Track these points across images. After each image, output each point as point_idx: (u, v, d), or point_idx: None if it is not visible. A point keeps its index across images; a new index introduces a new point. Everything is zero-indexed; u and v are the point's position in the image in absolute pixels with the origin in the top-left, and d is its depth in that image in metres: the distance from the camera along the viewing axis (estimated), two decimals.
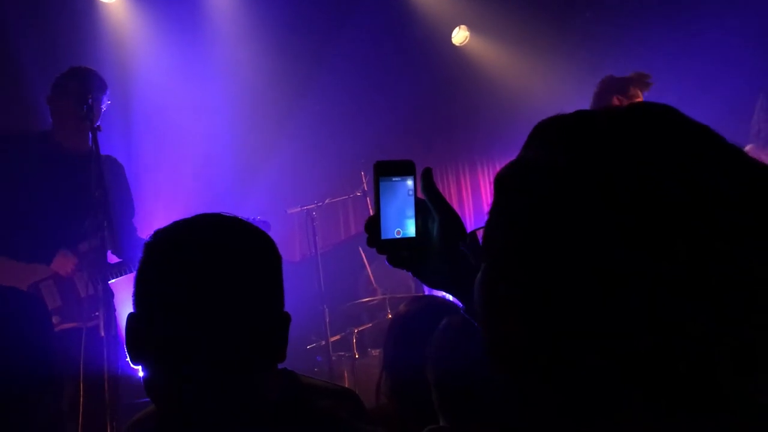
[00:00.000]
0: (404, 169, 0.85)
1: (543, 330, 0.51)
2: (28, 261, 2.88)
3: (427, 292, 4.96)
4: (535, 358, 0.52)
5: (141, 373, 0.97)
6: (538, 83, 5.88)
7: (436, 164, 6.47)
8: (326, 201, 4.72)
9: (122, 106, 4.75)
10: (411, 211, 0.84)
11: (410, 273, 0.87)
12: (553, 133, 0.56)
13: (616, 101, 3.32)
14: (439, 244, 0.82)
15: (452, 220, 0.83)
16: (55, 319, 2.83)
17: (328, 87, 5.71)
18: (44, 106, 3.08)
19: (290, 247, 5.86)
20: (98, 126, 2.74)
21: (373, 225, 0.83)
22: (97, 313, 2.64)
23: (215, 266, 0.91)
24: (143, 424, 0.97)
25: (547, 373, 0.52)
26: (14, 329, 1.40)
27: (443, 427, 1.43)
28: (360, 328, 4.46)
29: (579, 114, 0.57)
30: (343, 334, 4.42)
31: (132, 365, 0.97)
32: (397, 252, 0.84)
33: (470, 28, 6.14)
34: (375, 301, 4.51)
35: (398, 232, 0.83)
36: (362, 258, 5.01)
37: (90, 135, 2.68)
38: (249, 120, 5.60)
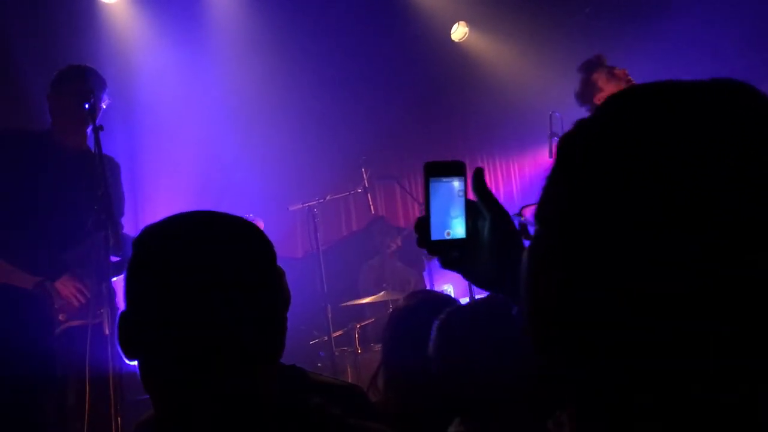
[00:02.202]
0: (454, 169, 0.84)
1: (587, 290, 0.48)
2: (31, 262, 2.88)
3: (429, 288, 4.98)
4: (574, 323, 0.48)
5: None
6: (538, 79, 5.88)
7: (437, 159, 6.46)
8: (327, 197, 4.73)
9: (121, 103, 4.75)
10: (461, 212, 0.83)
11: (461, 274, 0.86)
12: (629, 102, 0.52)
13: (598, 77, 3.40)
14: (490, 245, 0.81)
15: (504, 220, 0.81)
16: (61, 317, 2.84)
17: (327, 83, 5.71)
18: (44, 105, 3.07)
19: (292, 243, 5.88)
20: (100, 126, 2.74)
21: (423, 226, 0.82)
22: (101, 311, 2.65)
23: (206, 262, 0.91)
24: (148, 425, 0.97)
25: (584, 343, 0.48)
26: (16, 328, 1.40)
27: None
28: (362, 323, 4.48)
29: (658, 87, 0.52)
30: (345, 329, 4.44)
31: (128, 362, 0.98)
32: (448, 253, 0.84)
33: (469, 23, 6.14)
34: (377, 299, 4.53)
35: (448, 233, 0.82)
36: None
37: (92, 134, 2.68)
38: (249, 117, 5.61)
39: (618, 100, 0.52)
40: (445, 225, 0.82)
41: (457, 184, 0.83)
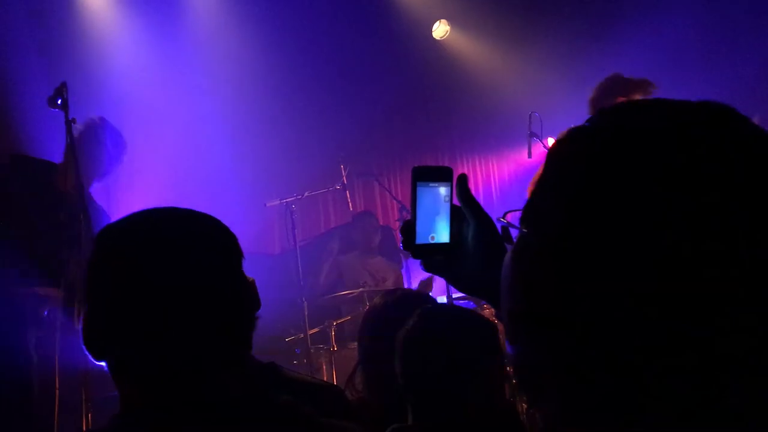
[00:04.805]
0: (442, 175, 0.85)
1: (573, 289, 0.49)
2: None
3: (407, 287, 4.97)
4: (570, 320, 0.50)
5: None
6: (519, 78, 5.91)
7: (417, 158, 6.47)
8: (306, 194, 4.70)
9: (100, 95, 4.69)
10: (446, 217, 0.84)
11: (443, 278, 0.88)
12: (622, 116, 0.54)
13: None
14: (474, 250, 0.83)
15: (487, 227, 0.83)
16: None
17: (307, 80, 5.69)
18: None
19: (269, 239, 5.84)
20: (73, 119, 2.77)
21: (409, 230, 0.83)
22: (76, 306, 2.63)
23: (168, 258, 0.90)
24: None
25: (570, 338, 0.49)
26: None
27: (408, 426, 1.44)
28: (338, 321, 4.46)
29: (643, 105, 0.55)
30: (321, 326, 4.42)
31: (95, 361, 0.96)
32: (431, 257, 0.85)
33: (450, 22, 6.15)
34: (353, 294, 4.51)
35: (432, 238, 0.84)
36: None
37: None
38: (227, 112, 5.56)
39: (618, 117, 0.54)
40: (430, 229, 0.84)
41: (443, 189, 0.85)
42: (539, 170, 0.58)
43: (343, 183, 4.83)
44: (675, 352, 0.46)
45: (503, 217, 0.70)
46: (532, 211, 0.55)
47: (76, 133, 3.00)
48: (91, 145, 3.13)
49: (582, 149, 0.53)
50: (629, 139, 0.51)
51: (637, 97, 3.18)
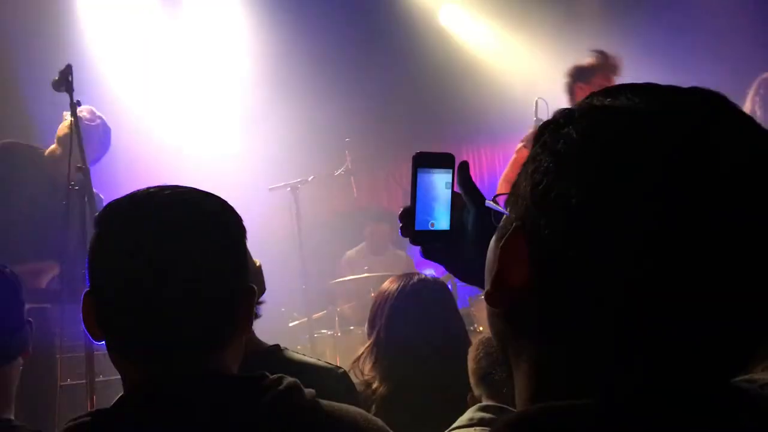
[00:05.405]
0: (444, 161, 0.85)
1: (551, 269, 0.51)
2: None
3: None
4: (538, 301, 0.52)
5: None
6: (527, 66, 5.86)
7: (423, 146, 6.42)
8: (310, 178, 4.69)
9: (101, 76, 4.68)
10: (447, 204, 0.84)
11: (442, 266, 0.87)
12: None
13: (579, 91, 3.29)
14: (474, 238, 0.82)
15: (488, 214, 0.82)
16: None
17: (312, 65, 5.66)
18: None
19: (272, 224, 5.83)
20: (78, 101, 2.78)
21: (408, 216, 0.83)
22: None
23: (171, 237, 0.89)
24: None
25: (546, 320, 0.52)
26: None
27: (492, 406, 1.44)
28: (342, 306, 4.46)
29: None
30: (325, 311, 4.43)
31: (94, 342, 0.96)
32: (431, 244, 0.85)
33: (457, 7, 6.11)
34: (357, 280, 4.51)
35: (432, 224, 0.83)
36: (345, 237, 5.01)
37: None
38: (232, 96, 5.54)
39: (600, 102, 0.54)
40: (430, 216, 0.83)
41: (444, 176, 0.84)
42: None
43: (347, 168, 4.81)
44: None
45: (493, 200, 0.69)
46: (514, 194, 0.57)
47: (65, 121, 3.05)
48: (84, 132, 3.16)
49: (554, 138, 0.54)
50: (606, 126, 0.52)
51: (603, 78, 3.19)
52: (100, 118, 3.32)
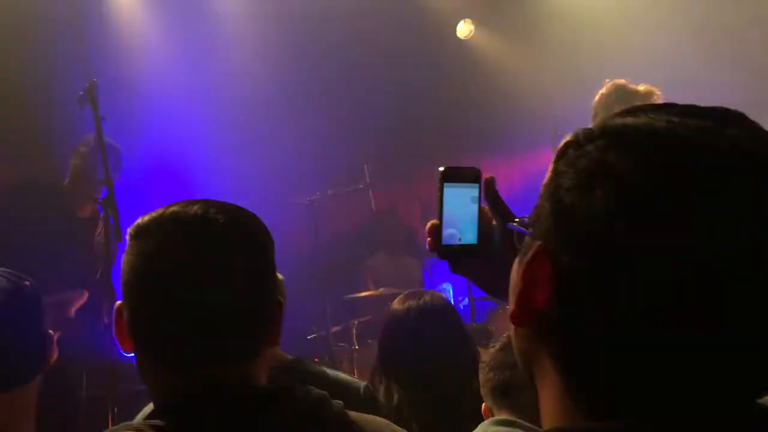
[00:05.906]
0: (470, 176, 0.85)
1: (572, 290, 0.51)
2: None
3: (427, 287, 4.96)
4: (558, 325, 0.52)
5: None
6: (546, 79, 5.86)
7: (441, 159, 6.42)
8: (329, 192, 4.71)
9: (123, 91, 4.75)
10: (474, 219, 0.84)
11: (470, 280, 0.88)
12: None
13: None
14: (500, 253, 0.81)
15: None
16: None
17: (332, 79, 5.70)
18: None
19: (291, 237, 5.86)
20: (103, 116, 2.82)
21: (435, 230, 0.83)
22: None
23: (204, 252, 0.90)
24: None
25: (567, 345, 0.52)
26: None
27: (509, 420, 1.45)
28: (360, 320, 4.47)
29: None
30: (343, 325, 4.44)
31: (124, 354, 0.98)
32: (457, 258, 0.85)
33: (475, 21, 6.12)
34: (375, 295, 4.52)
35: (459, 239, 0.83)
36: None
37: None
38: (252, 111, 5.59)
39: (618, 123, 0.53)
40: (457, 230, 0.83)
41: (471, 190, 0.84)
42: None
43: (365, 182, 4.83)
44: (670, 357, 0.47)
45: (517, 222, 0.71)
46: (536, 213, 0.56)
47: (86, 149, 3.09)
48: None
49: (576, 156, 0.53)
50: (624, 145, 0.51)
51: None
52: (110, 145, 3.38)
